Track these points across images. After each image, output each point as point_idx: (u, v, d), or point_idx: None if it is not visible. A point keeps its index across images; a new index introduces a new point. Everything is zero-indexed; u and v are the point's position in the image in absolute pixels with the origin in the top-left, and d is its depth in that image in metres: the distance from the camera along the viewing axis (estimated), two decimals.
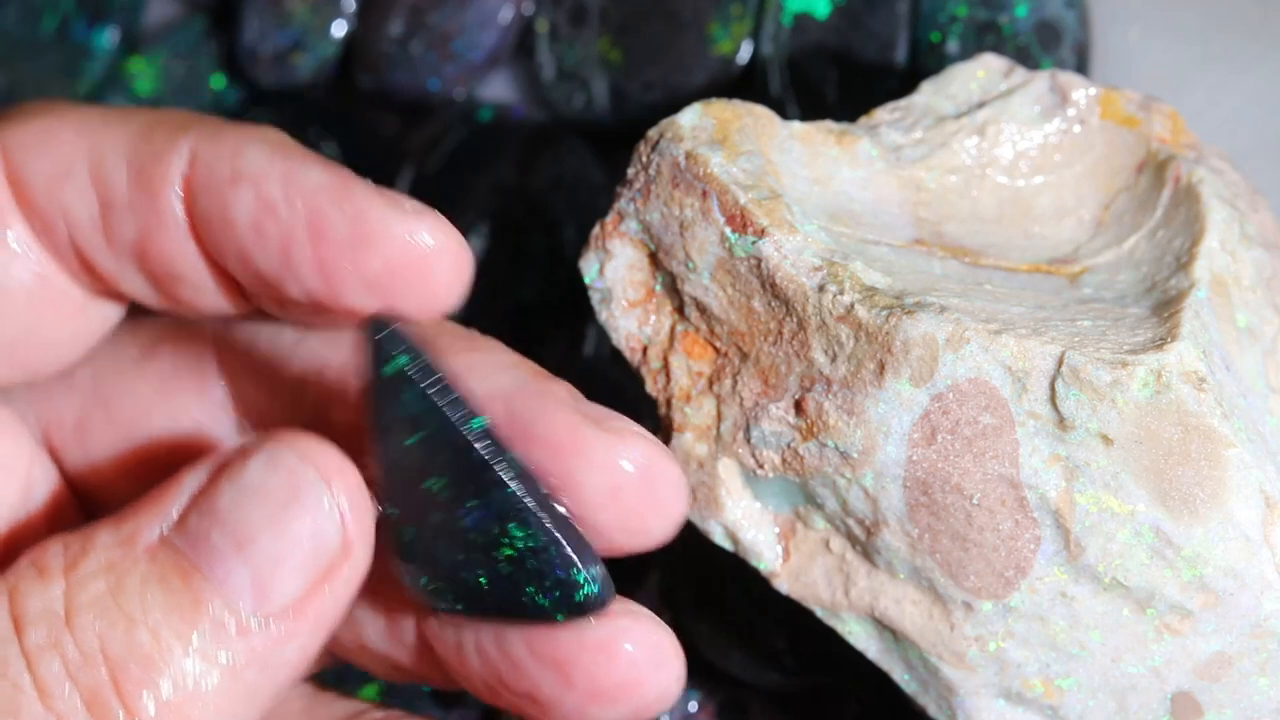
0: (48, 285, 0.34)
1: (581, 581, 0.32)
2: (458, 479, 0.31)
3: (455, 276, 0.32)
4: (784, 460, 0.38)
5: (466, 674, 0.34)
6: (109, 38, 0.58)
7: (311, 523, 0.30)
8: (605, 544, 0.32)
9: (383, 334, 0.31)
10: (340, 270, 0.32)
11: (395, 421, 0.32)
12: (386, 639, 0.35)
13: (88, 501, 0.36)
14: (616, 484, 0.32)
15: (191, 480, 0.31)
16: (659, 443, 0.33)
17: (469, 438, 0.31)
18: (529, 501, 0.31)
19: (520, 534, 0.31)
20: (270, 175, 0.32)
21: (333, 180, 0.32)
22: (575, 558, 0.32)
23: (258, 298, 0.34)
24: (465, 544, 0.31)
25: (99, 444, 0.35)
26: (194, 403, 0.35)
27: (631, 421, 0.33)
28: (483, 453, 0.31)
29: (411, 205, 0.32)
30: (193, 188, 0.32)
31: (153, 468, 0.35)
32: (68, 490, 0.36)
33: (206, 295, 0.34)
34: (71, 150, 0.33)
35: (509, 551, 0.31)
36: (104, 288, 0.34)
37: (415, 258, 0.32)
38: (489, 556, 0.31)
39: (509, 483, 0.31)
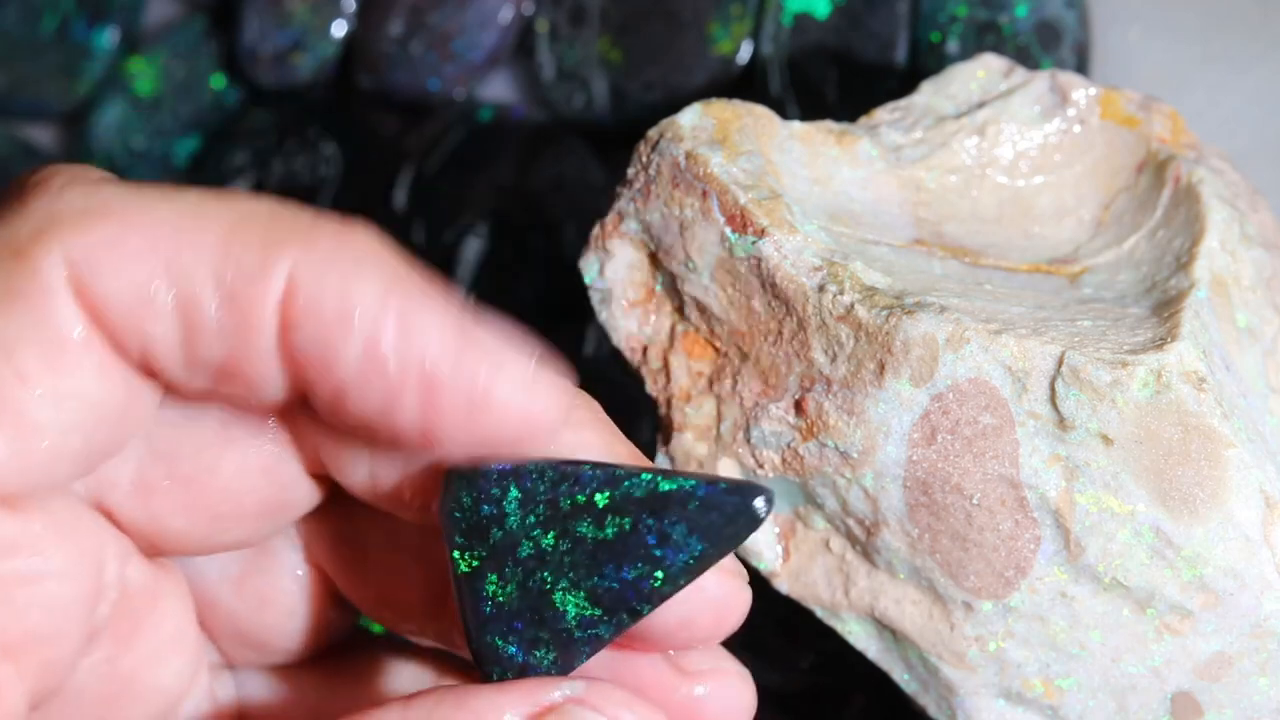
0: (119, 392, 0.31)
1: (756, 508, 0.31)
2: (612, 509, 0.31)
3: (557, 423, 0.31)
4: (784, 460, 0.38)
5: None
6: (109, 38, 0.58)
7: None
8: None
9: (481, 473, 0.31)
10: (443, 429, 0.31)
11: (508, 536, 0.31)
12: None
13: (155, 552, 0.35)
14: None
15: (502, 717, 0.30)
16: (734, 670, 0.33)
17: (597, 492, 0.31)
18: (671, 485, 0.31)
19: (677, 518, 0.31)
20: (384, 327, 0.30)
21: (452, 338, 0.30)
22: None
23: (327, 418, 0.32)
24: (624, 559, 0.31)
25: (166, 503, 0.33)
26: (258, 446, 0.33)
27: (722, 656, 0.34)
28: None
29: (529, 370, 0.31)
30: (291, 319, 0.30)
31: (235, 518, 0.33)
32: (139, 557, 0.34)
33: (272, 402, 0.32)
34: (148, 267, 0.30)
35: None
36: (156, 383, 0.33)
37: (527, 423, 0.31)
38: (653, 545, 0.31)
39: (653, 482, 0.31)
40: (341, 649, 0.36)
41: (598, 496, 0.31)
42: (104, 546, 0.32)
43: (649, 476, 0.31)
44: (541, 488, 0.31)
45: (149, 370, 0.31)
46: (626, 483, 0.31)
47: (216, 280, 0.30)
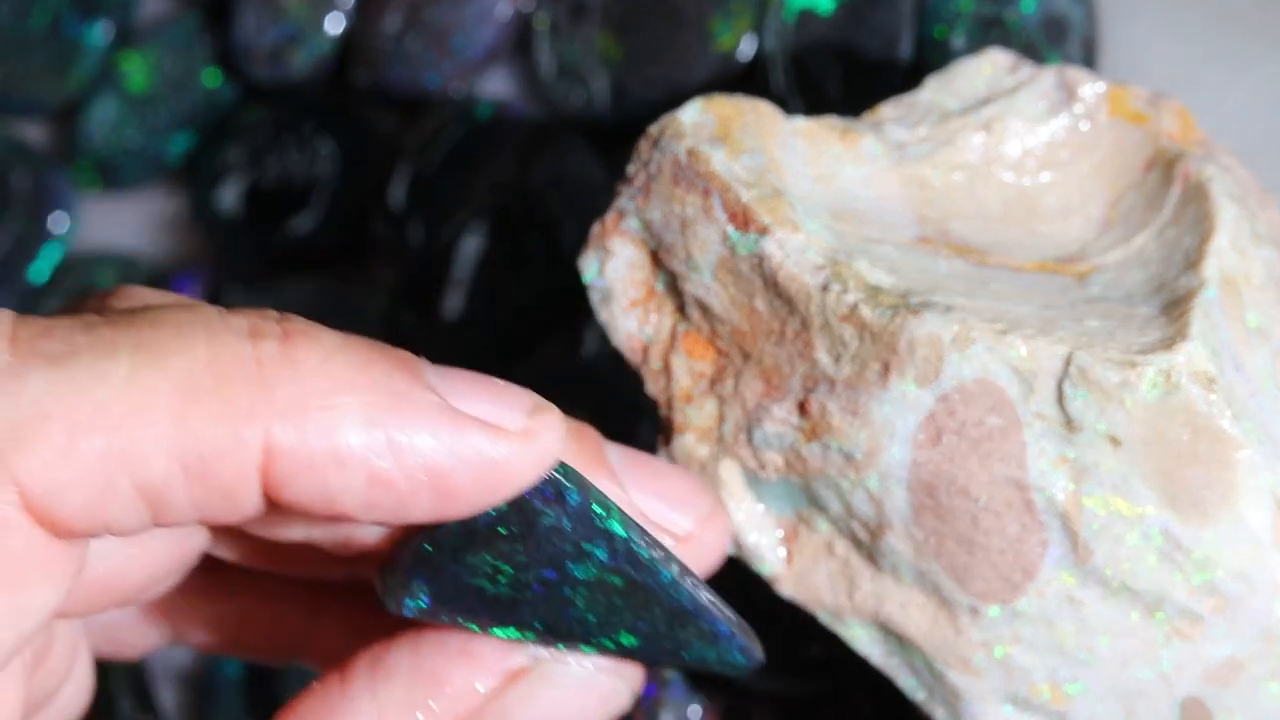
0: (68, 571, 0.31)
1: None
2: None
3: (559, 452, 0.32)
4: (787, 462, 0.38)
5: None
6: (101, 33, 0.59)
7: None
8: None
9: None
10: (462, 506, 0.31)
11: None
12: None
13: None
14: None
15: (471, 687, 0.31)
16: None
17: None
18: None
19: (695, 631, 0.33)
20: (379, 450, 0.30)
21: (445, 431, 0.30)
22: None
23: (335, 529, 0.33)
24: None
25: (73, 600, 0.33)
26: (170, 544, 0.34)
27: None
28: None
29: (524, 420, 0.31)
30: (278, 478, 0.30)
31: (124, 599, 0.34)
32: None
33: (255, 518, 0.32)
34: (105, 471, 0.29)
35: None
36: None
37: (536, 469, 0.32)
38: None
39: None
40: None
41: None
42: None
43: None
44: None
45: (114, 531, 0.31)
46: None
47: (181, 462, 0.29)
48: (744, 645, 0.34)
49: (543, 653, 0.32)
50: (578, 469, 0.32)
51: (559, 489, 0.32)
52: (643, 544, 0.32)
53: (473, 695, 0.31)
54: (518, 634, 0.32)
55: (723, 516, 0.36)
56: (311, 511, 0.30)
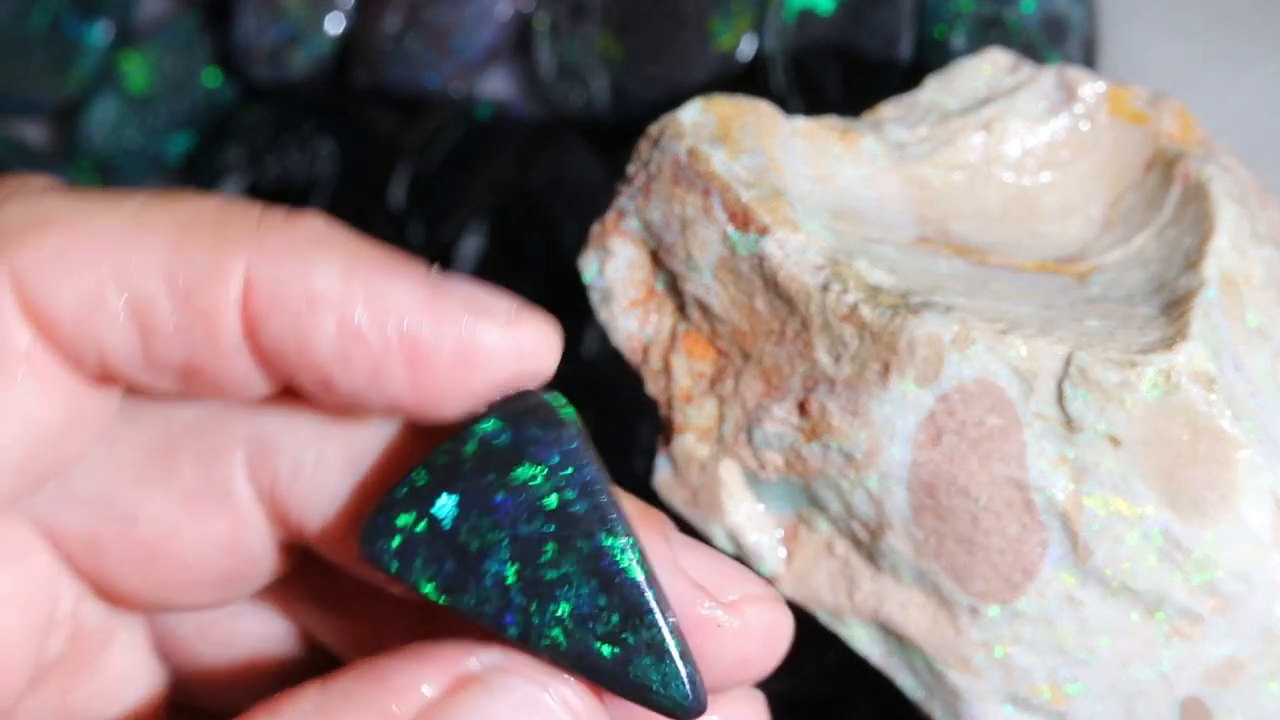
0: (65, 406, 0.31)
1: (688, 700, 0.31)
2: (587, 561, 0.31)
3: (550, 360, 0.31)
4: (787, 462, 0.38)
5: None
6: (101, 33, 0.59)
7: None
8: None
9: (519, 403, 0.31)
10: (439, 390, 0.30)
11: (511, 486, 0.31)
12: None
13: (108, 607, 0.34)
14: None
15: (417, 690, 0.30)
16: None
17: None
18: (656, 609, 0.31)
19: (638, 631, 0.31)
20: (353, 298, 0.30)
21: (424, 297, 0.30)
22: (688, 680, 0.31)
23: (317, 399, 0.32)
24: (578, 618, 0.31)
25: (120, 564, 0.33)
26: (226, 521, 0.33)
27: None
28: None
29: (510, 311, 0.31)
30: (255, 312, 0.30)
31: (192, 586, 0.33)
32: (92, 604, 0.34)
33: (252, 393, 0.32)
34: (97, 276, 0.30)
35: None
36: (117, 384, 0.32)
37: (521, 370, 0.31)
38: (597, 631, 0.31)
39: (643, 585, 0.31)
40: None
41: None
42: (57, 581, 0.32)
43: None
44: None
45: (108, 377, 0.31)
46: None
47: (169, 283, 0.30)
48: (692, 676, 0.31)
49: (494, 658, 0.31)
50: (637, 528, 0.31)
51: (550, 413, 0.31)
52: (616, 515, 0.31)
53: (418, 699, 0.31)
54: (474, 604, 0.31)
55: (778, 607, 0.33)
56: (287, 360, 0.30)
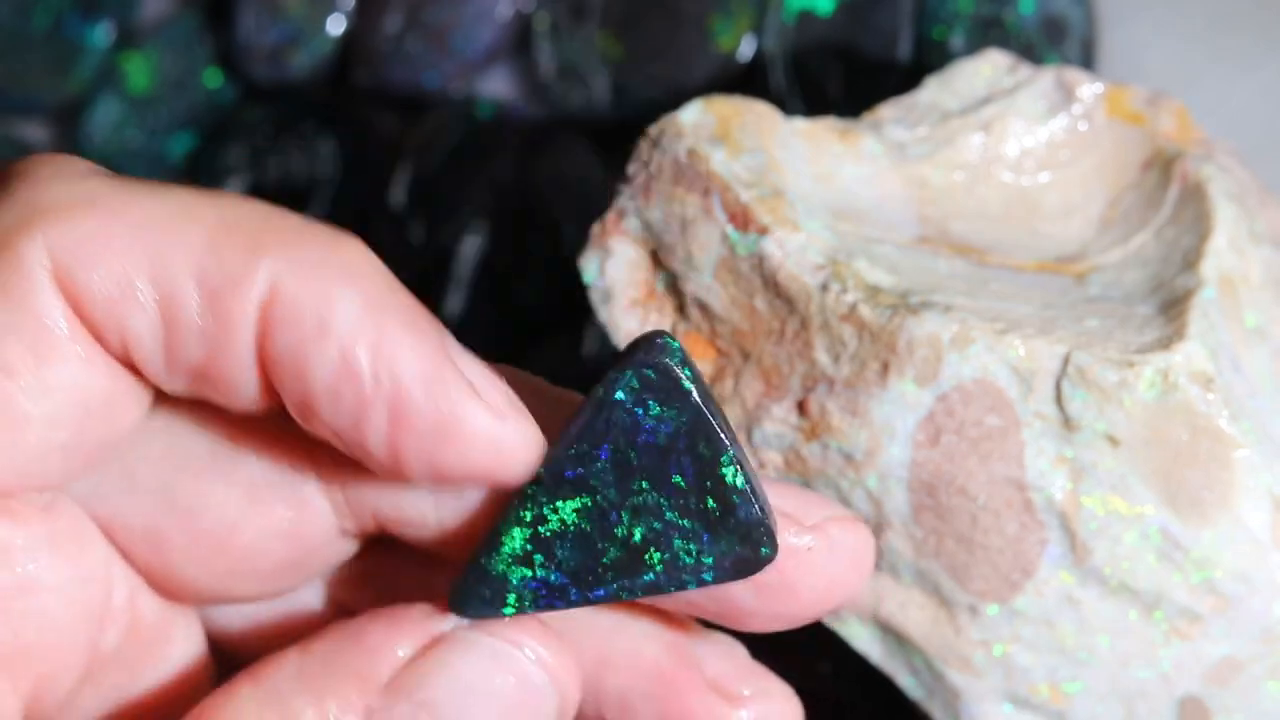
0: (105, 383, 0.31)
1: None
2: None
3: (528, 461, 0.31)
4: (787, 462, 0.38)
5: None
6: (103, 33, 0.59)
7: None
8: None
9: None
10: (413, 454, 0.30)
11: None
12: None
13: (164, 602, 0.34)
14: None
15: (392, 651, 0.30)
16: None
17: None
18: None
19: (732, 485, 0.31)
20: (360, 340, 0.30)
21: (430, 357, 0.30)
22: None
23: (303, 425, 0.32)
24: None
25: (182, 555, 0.33)
26: (291, 514, 0.33)
27: (770, 679, 0.34)
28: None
29: (498, 401, 0.30)
30: (270, 322, 0.30)
31: (252, 576, 0.33)
32: (150, 597, 0.34)
33: (245, 405, 0.32)
34: (131, 262, 0.30)
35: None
36: (143, 382, 0.32)
37: (496, 457, 0.31)
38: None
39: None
40: None
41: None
42: (112, 571, 0.32)
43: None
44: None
45: (131, 367, 0.31)
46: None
47: (199, 280, 0.30)
48: (772, 530, 0.31)
49: (464, 621, 0.31)
50: None
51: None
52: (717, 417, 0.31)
53: (394, 660, 0.31)
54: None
55: (860, 525, 0.33)
56: (282, 378, 0.30)
